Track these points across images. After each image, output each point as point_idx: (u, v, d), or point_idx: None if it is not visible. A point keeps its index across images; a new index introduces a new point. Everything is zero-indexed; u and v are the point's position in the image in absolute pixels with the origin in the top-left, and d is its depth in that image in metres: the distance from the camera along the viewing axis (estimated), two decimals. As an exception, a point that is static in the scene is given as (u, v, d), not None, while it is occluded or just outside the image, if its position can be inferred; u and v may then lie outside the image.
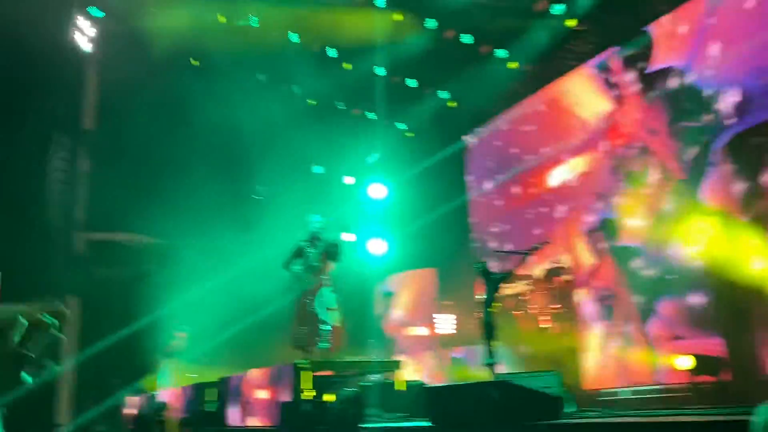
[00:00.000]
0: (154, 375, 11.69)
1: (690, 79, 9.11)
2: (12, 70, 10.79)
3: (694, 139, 8.95)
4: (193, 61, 12.63)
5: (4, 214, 10.80)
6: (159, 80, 12.04)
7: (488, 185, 14.00)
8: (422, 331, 13.90)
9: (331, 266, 7.45)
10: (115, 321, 12.36)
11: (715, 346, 8.09)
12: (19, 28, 9.60)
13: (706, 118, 8.81)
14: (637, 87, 10.05)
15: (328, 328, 7.12)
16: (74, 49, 12.22)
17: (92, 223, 13.14)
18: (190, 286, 14.41)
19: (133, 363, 12.47)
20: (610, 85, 10.62)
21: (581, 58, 11.63)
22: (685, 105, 9.18)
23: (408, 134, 14.96)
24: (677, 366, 7.89)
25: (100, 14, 11.64)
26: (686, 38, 9.27)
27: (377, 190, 15.32)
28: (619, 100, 10.40)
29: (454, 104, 13.78)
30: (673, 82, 9.39)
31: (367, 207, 15.60)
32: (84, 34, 12.14)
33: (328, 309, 7.17)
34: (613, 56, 10.62)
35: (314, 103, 14.06)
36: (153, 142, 12.54)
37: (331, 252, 7.34)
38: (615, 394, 9.21)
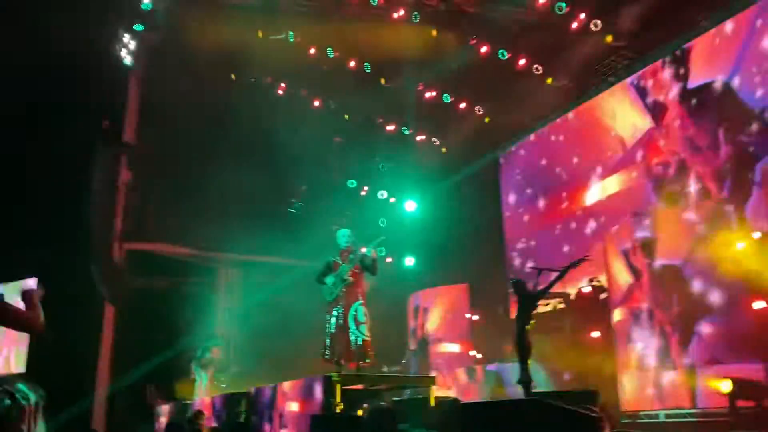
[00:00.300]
0: (188, 384, 11.78)
1: (734, 94, 8.92)
2: (57, 81, 11.12)
3: (737, 158, 8.74)
4: (233, 76, 12.85)
5: (46, 222, 11.09)
6: (199, 93, 12.28)
7: (522, 201, 13.88)
8: (454, 347, 13.78)
9: (363, 280, 7.45)
10: (151, 331, 12.58)
11: (756, 371, 7.85)
12: (65, 40, 9.86)
13: (750, 135, 8.60)
14: (676, 103, 9.87)
15: (360, 342, 7.11)
16: (117, 62, 12.52)
17: (132, 233, 13.39)
18: (228, 298, 14.62)
19: (169, 372, 12.64)
20: (648, 102, 10.45)
21: (619, 75, 11.50)
22: (728, 121, 8.99)
23: (443, 149, 14.92)
24: (717, 388, 7.67)
25: (142, 28, 11.89)
26: (729, 52, 9.08)
27: (411, 206, 15.35)
28: (658, 116, 10.23)
29: (488, 120, 13.69)
30: (714, 98, 9.21)
31: (402, 222, 15.63)
32: (127, 48, 12.43)
33: (358, 323, 7.17)
34: (651, 72, 10.46)
35: (348, 117, 14.17)
36: (194, 155, 12.80)
37: (364, 266, 7.33)
38: (653, 416, 8.98)
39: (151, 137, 13.14)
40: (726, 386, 7.55)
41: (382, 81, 13.04)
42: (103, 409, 12.24)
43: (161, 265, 13.82)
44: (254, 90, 13.09)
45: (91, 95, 11.93)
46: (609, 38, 11.15)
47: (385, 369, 12.41)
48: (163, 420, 11.42)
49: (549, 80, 12.27)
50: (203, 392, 11.14)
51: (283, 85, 13.44)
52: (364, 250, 7.30)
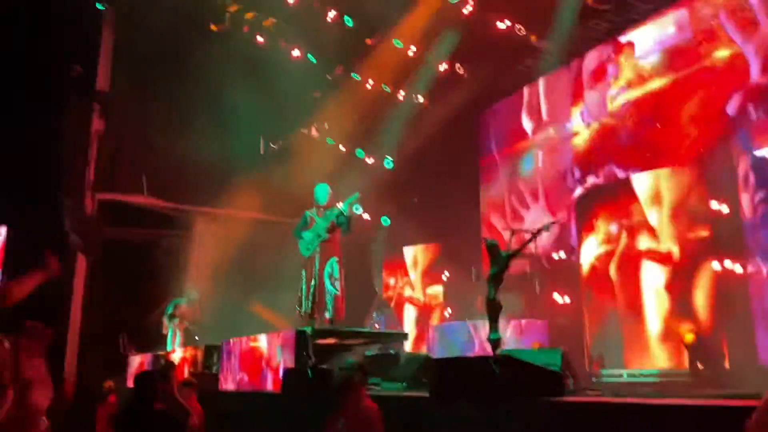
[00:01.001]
0: (161, 336, 11.79)
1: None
2: (25, 25, 10.75)
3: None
4: (212, 27, 12.50)
5: (17, 172, 10.86)
6: (177, 39, 11.88)
7: (499, 161, 13.96)
8: (424, 302, 13.96)
9: (338, 237, 7.48)
10: (124, 283, 12.51)
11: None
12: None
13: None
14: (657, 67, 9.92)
15: (332, 297, 7.19)
16: (89, 4, 12.10)
17: (105, 183, 13.17)
18: (203, 251, 14.53)
19: (142, 324, 12.64)
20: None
21: (600, 38, 11.50)
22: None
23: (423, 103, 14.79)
24: (683, 336, 7.95)
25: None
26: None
27: (384, 164, 15.31)
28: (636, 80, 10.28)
29: (463, 74, 13.59)
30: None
31: (376, 180, 15.60)
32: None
33: (333, 279, 7.22)
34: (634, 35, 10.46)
35: (329, 75, 13.96)
36: (171, 104, 12.51)
37: (339, 223, 7.34)
38: (616, 375, 9.27)
39: (126, 84, 12.82)
40: (690, 337, 7.80)
41: (367, 41, 12.83)
42: (74, 359, 12.23)
43: (135, 217, 13.64)
44: (233, 39, 12.78)
45: (62, 39, 11.56)
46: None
47: (358, 325, 12.58)
48: (136, 370, 11.48)
49: (533, 38, 12.22)
50: (175, 344, 11.15)
51: (262, 35, 13.16)
52: (340, 205, 7.31)
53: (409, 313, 14.31)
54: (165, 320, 11.69)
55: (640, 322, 9.23)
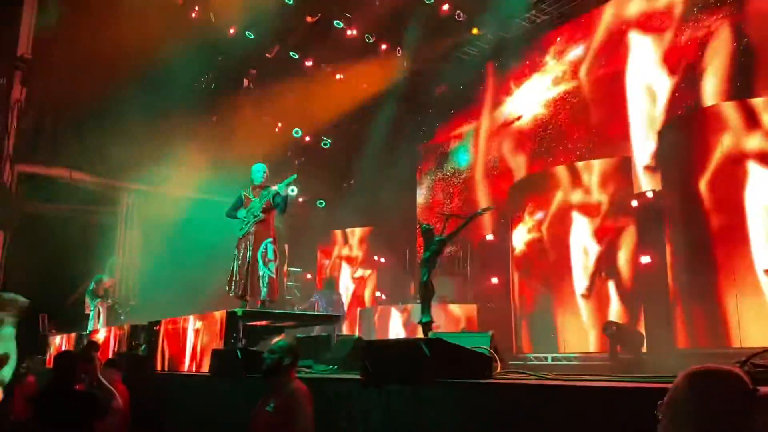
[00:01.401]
0: (83, 315, 11.36)
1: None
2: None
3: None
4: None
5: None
6: (107, 7, 11.33)
7: (436, 146, 14.10)
8: (361, 287, 14.01)
9: (274, 217, 7.36)
10: (45, 259, 11.95)
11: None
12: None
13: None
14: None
15: (266, 278, 7.08)
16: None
17: (26, 155, 12.50)
18: (130, 229, 14.05)
19: (63, 302, 12.15)
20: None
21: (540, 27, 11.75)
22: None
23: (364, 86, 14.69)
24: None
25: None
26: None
27: (322, 144, 15.22)
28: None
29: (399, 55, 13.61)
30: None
31: (315, 162, 15.48)
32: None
33: (267, 260, 7.11)
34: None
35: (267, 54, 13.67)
36: (97, 73, 11.93)
37: (275, 203, 7.22)
38: (541, 359, 9.56)
39: (50, 51, 12.15)
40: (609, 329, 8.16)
41: (308, 18, 12.63)
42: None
43: (58, 191, 13.03)
44: (167, 10, 12.31)
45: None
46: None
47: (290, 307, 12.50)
48: (56, 350, 11.06)
49: (474, 30, 12.35)
50: (98, 324, 10.76)
51: (196, 8, 12.75)
52: (275, 186, 7.19)
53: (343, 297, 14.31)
54: (87, 299, 11.24)
55: (568, 305, 9.53)
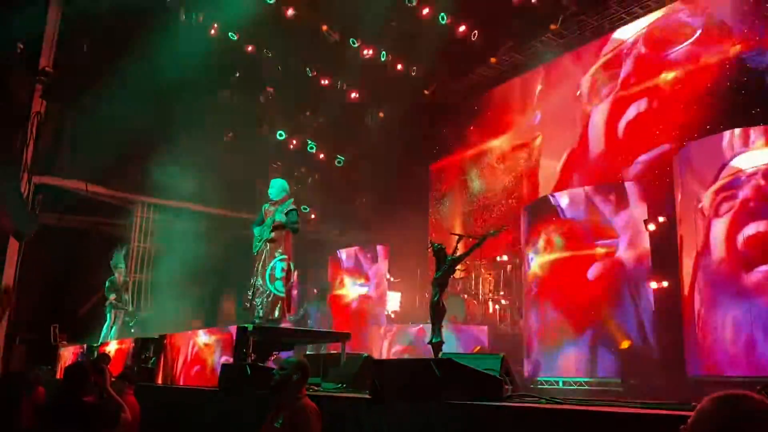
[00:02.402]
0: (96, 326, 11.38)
1: None
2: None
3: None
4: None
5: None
6: (126, 20, 11.48)
7: (449, 167, 14.12)
8: (371, 306, 13.95)
9: (288, 235, 7.32)
10: (58, 271, 12.06)
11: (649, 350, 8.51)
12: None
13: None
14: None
15: (272, 297, 7.05)
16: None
17: (43, 167, 12.65)
18: (143, 242, 14.15)
19: (75, 313, 12.21)
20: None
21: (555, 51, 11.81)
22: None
23: (380, 114, 14.82)
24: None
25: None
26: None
27: (336, 163, 15.31)
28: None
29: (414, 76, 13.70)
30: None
31: (326, 176, 15.57)
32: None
33: (274, 278, 7.08)
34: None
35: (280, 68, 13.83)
36: (116, 89, 12.09)
37: (284, 222, 7.19)
38: (553, 382, 9.46)
39: (71, 66, 12.34)
40: (626, 344, 8.06)
41: (331, 34, 12.75)
42: (0, 346, 11.71)
43: (73, 203, 13.19)
44: (184, 28, 12.50)
45: (6, 15, 11.05)
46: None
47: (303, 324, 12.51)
48: (67, 361, 11.08)
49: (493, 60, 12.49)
50: (110, 336, 10.77)
51: (216, 25, 12.93)
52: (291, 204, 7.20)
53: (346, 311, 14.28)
54: (105, 308, 11.09)
55: (581, 329, 9.44)
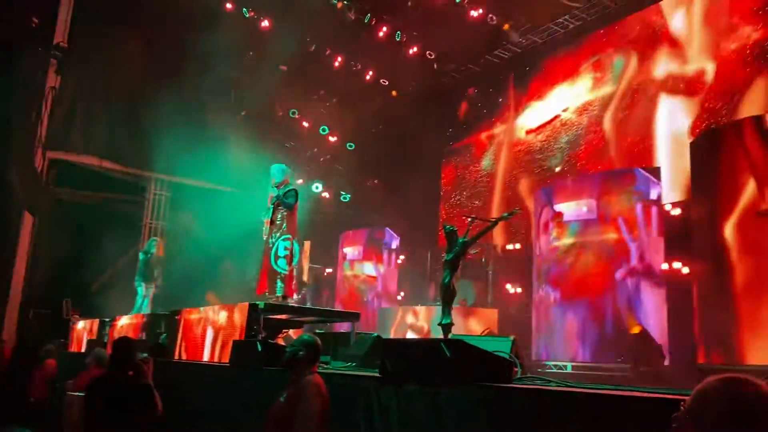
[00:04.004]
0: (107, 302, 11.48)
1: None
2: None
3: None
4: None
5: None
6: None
7: (462, 148, 14.04)
8: (381, 286, 14.00)
9: (285, 215, 7.39)
10: (71, 246, 12.13)
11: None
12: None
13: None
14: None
15: (279, 276, 7.16)
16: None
17: (57, 142, 12.71)
18: (155, 218, 14.22)
19: (87, 289, 12.31)
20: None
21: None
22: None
23: (392, 92, 14.72)
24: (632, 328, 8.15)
25: None
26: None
27: (347, 146, 15.28)
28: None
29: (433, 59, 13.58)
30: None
31: (340, 159, 15.54)
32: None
33: (277, 257, 7.19)
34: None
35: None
36: (130, 64, 12.10)
37: (283, 202, 7.30)
38: (561, 367, 9.48)
39: (85, 41, 12.34)
40: (637, 329, 8.03)
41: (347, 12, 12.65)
42: (14, 320, 11.86)
43: (87, 179, 13.25)
44: (200, 3, 12.44)
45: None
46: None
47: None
48: (80, 335, 11.21)
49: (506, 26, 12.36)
50: (144, 308, 10.33)
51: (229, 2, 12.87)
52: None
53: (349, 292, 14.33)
54: (135, 281, 10.74)
55: (590, 314, 9.42)
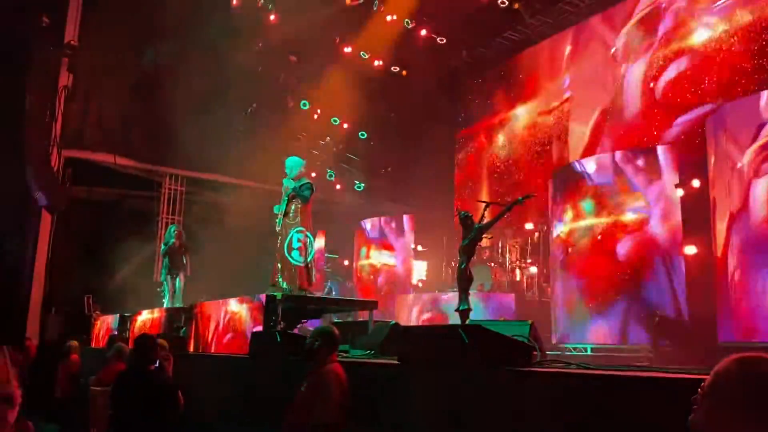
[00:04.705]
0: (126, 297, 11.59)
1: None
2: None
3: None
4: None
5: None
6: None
7: (475, 134, 13.95)
8: (398, 274, 14.00)
9: (300, 207, 7.40)
10: (90, 243, 12.26)
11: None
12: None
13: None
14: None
15: (294, 267, 7.18)
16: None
17: (72, 140, 12.81)
18: (171, 213, 14.31)
19: (106, 284, 12.45)
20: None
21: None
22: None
23: (403, 72, 14.57)
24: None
25: None
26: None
27: (359, 135, 15.24)
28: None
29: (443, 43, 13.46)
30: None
31: (353, 148, 15.52)
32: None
33: (291, 248, 7.22)
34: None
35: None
36: (142, 61, 12.14)
37: (299, 194, 7.31)
38: (581, 349, 9.43)
39: (97, 38, 12.38)
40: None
41: (348, 1, 12.59)
42: (37, 318, 12.02)
43: (103, 175, 13.36)
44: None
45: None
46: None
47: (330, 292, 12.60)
48: (101, 331, 11.34)
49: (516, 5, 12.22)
50: (177, 300, 10.05)
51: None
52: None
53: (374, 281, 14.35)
54: (161, 273, 10.57)
55: (609, 296, 9.34)
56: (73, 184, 12.94)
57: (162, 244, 10.88)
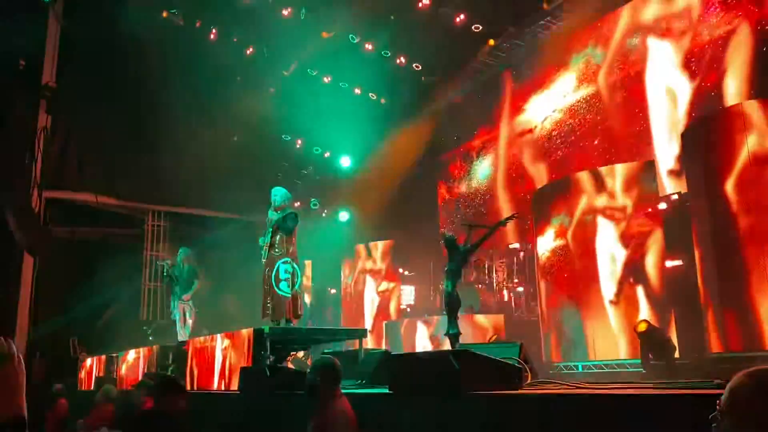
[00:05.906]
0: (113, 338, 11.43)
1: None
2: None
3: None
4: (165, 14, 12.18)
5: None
6: (125, 32, 11.45)
7: (458, 156, 14.04)
8: (386, 301, 13.98)
9: (285, 238, 7.36)
10: (74, 283, 12.10)
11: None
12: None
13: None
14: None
15: (280, 299, 7.10)
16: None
17: (52, 181, 12.71)
18: (155, 250, 14.20)
19: (92, 325, 12.28)
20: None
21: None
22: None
23: (381, 100, 14.73)
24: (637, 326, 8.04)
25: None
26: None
27: (346, 161, 15.30)
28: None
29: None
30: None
31: (337, 177, 15.57)
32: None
33: (278, 280, 7.16)
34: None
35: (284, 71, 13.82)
36: (119, 99, 12.14)
37: (281, 225, 7.28)
38: (572, 368, 9.43)
39: (73, 79, 12.39)
40: (643, 326, 7.95)
41: (323, 34, 12.74)
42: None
43: (84, 215, 13.26)
44: (185, 34, 12.52)
45: (5, 32, 11.09)
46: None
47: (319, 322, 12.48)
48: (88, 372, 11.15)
49: (491, 42, 12.39)
50: (185, 332, 9.57)
51: (214, 30, 12.93)
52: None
53: (365, 308, 14.30)
54: (171, 304, 9.96)
55: (597, 312, 9.38)
56: (54, 225, 12.82)
57: (173, 268, 10.08)
